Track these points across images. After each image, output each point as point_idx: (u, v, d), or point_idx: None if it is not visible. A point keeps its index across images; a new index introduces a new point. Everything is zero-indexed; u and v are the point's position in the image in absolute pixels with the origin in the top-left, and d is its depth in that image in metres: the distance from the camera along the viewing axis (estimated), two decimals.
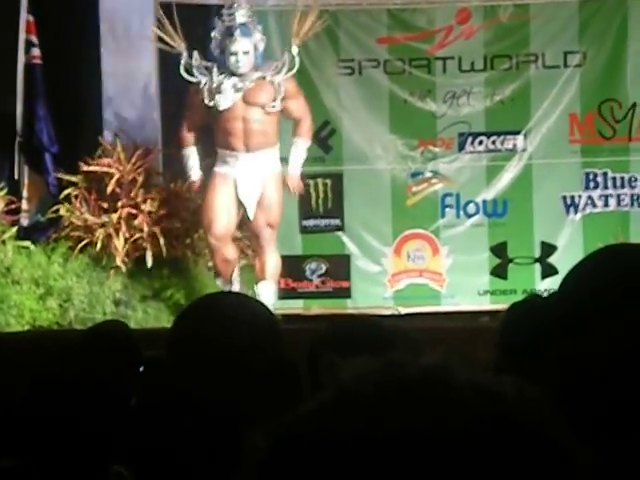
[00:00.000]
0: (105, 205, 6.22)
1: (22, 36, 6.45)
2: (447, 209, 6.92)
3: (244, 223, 6.23)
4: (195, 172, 6.23)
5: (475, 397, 0.68)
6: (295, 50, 6.25)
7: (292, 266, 6.88)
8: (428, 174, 6.92)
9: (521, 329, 1.62)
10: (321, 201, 6.91)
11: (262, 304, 1.77)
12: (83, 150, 6.33)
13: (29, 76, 6.45)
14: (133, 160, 6.24)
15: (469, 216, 6.92)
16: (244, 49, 6.12)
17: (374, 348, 1.79)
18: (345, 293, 6.90)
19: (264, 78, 6.14)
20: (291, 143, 6.24)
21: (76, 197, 6.22)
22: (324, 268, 6.90)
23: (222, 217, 6.05)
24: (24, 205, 6.38)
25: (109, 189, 6.23)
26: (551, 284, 6.79)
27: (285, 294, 6.87)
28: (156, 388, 1.80)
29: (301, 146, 6.26)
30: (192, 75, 6.10)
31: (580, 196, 6.86)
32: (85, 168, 6.22)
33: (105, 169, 6.23)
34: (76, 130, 6.46)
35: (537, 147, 6.86)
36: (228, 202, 6.06)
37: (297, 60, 6.21)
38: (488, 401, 0.68)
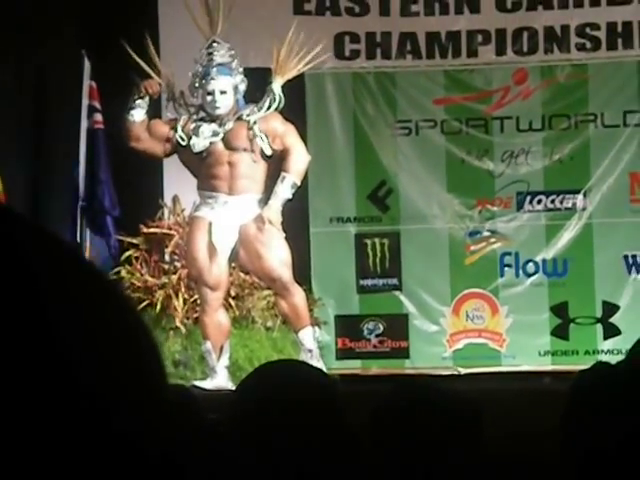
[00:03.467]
0: (165, 266, 6.28)
1: (85, 102, 6.59)
2: (506, 268, 6.87)
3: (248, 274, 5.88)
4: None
5: None
6: (277, 88, 5.71)
7: (349, 326, 6.87)
8: (486, 233, 6.89)
9: (590, 397, 1.60)
10: (378, 260, 6.91)
11: (323, 372, 1.77)
12: (144, 213, 6.42)
13: (91, 141, 6.58)
14: None
15: (529, 275, 6.86)
16: (221, 88, 5.64)
17: (436, 418, 1.78)
18: (403, 353, 6.86)
19: (241, 118, 5.66)
20: (278, 177, 5.66)
21: (136, 259, 6.29)
22: (382, 328, 6.87)
23: (208, 264, 5.63)
24: None
25: (169, 250, 6.30)
26: (614, 345, 6.68)
27: (343, 354, 6.85)
28: (215, 453, 1.80)
29: (286, 182, 5.60)
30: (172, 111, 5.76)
31: None
32: (145, 230, 6.30)
33: (165, 231, 6.30)
34: (137, 193, 6.56)
35: (597, 206, 6.80)
36: (210, 247, 5.64)
37: (280, 98, 5.68)
38: None
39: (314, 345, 5.74)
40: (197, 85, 5.71)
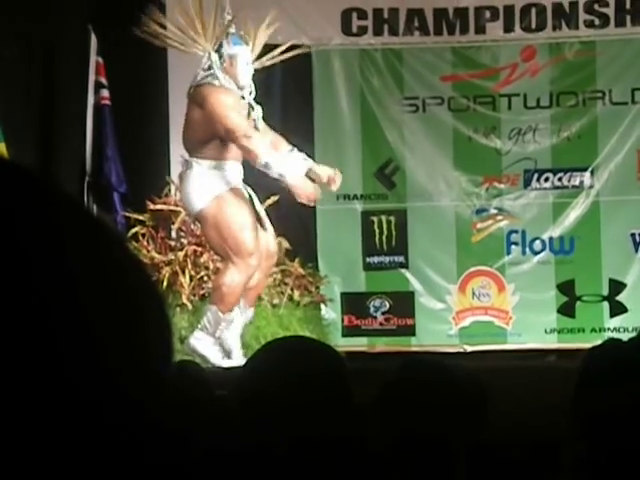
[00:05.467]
0: (171, 243, 6.28)
1: (92, 78, 6.57)
2: (513, 246, 6.87)
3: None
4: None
5: None
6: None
7: (356, 303, 6.88)
8: (493, 211, 6.88)
9: (601, 372, 1.61)
10: (385, 238, 6.90)
11: (331, 348, 1.77)
12: (150, 189, 6.41)
13: (98, 117, 6.57)
14: None
15: (535, 253, 6.85)
16: (247, 60, 5.53)
17: (444, 395, 1.79)
18: (409, 330, 6.87)
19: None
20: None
21: (143, 235, 6.29)
22: (388, 305, 6.88)
23: (255, 233, 5.52)
24: None
25: (175, 227, 6.30)
26: (620, 322, 6.69)
27: (349, 331, 6.86)
28: (224, 429, 1.81)
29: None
30: (218, 79, 5.46)
31: None
32: (152, 207, 6.29)
33: (172, 207, 6.30)
34: (144, 170, 6.55)
35: (605, 184, 6.79)
36: (252, 219, 5.54)
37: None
38: None
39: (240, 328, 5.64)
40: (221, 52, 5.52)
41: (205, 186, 5.54)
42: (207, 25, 5.52)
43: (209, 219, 5.55)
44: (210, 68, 5.51)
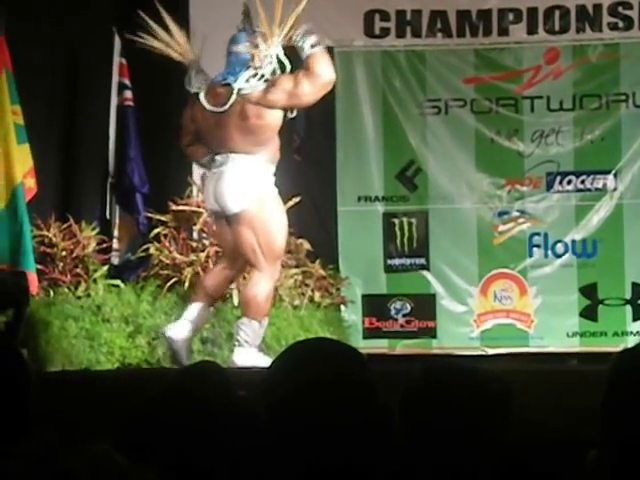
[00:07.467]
0: (193, 244, 6.30)
1: (115, 78, 6.60)
2: (535, 249, 6.85)
3: None
4: None
5: None
6: None
7: (377, 305, 6.88)
8: (515, 213, 6.87)
9: (632, 375, 1.60)
10: (406, 240, 6.91)
11: (356, 350, 1.77)
12: (172, 190, 6.44)
13: (121, 118, 6.59)
14: None
15: (558, 256, 6.83)
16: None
17: (468, 397, 1.78)
18: (430, 333, 6.87)
19: None
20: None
21: (165, 236, 6.31)
22: (409, 307, 6.88)
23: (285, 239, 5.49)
24: (115, 244, 6.50)
25: (197, 228, 6.31)
26: None
27: (369, 333, 6.87)
28: (249, 432, 1.81)
29: None
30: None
31: None
32: (174, 207, 6.31)
33: (193, 208, 6.31)
34: (166, 170, 6.57)
35: (628, 186, 6.77)
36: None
37: None
38: None
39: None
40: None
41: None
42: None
43: (246, 219, 5.27)
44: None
